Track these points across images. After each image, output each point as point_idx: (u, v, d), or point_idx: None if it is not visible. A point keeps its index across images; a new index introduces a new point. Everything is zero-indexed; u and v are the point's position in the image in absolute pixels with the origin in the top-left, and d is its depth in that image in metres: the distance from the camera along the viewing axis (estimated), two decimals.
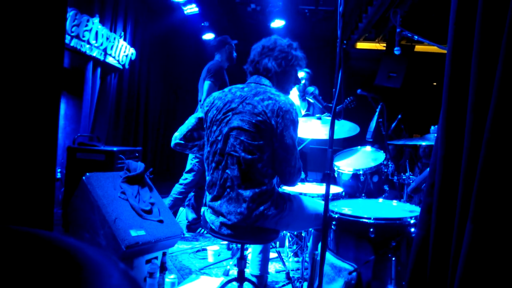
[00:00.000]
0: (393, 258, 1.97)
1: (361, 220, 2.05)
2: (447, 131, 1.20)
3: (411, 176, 2.78)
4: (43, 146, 2.15)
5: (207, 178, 2.09)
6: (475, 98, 1.07)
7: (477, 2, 1.15)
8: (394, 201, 2.53)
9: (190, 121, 2.24)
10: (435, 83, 8.06)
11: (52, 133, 2.25)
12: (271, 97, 1.93)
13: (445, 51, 1.44)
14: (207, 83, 3.86)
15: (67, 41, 4.30)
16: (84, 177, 2.67)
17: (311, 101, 3.09)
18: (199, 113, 2.22)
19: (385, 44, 8.10)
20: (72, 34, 4.36)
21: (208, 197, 2.10)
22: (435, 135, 1.87)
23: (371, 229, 1.99)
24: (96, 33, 4.80)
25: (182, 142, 2.22)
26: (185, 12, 5.98)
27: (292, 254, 3.35)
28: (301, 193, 2.51)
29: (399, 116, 4.11)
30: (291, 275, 2.95)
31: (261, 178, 1.93)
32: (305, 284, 2.54)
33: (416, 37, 2.76)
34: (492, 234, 1.01)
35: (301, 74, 4.57)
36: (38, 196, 2.00)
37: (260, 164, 1.91)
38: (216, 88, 3.89)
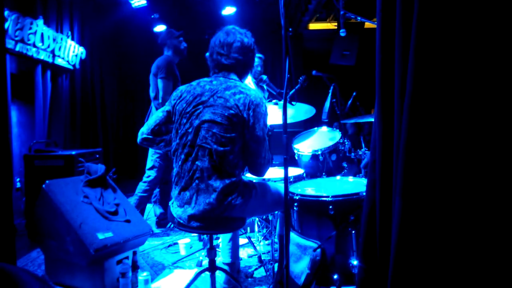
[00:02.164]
0: (353, 232, 2.08)
1: (320, 198, 2.15)
2: (382, 110, 1.29)
3: (366, 152, 2.92)
4: None
5: (174, 170, 2.11)
6: (400, 82, 1.17)
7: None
8: (351, 177, 2.66)
9: (158, 115, 2.21)
10: None
11: (4, 141, 2.19)
12: (242, 91, 2.00)
13: None
14: (160, 81, 3.83)
15: (11, 46, 4.13)
16: (44, 185, 2.63)
17: (265, 87, 3.17)
18: (166, 107, 2.19)
19: (336, 23, 8.24)
20: (16, 38, 4.19)
21: (174, 190, 2.11)
22: None
23: (330, 206, 2.10)
24: (42, 35, 4.63)
25: (150, 136, 2.20)
26: (133, 5, 5.85)
27: (262, 238, 3.44)
28: (264, 179, 2.59)
29: (354, 94, 4.24)
30: (262, 258, 3.04)
31: (231, 170, 1.99)
32: (276, 265, 2.64)
33: (359, 18, 2.87)
34: (416, 209, 1.11)
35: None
36: None
37: (231, 156, 1.97)
38: (170, 84, 3.86)
